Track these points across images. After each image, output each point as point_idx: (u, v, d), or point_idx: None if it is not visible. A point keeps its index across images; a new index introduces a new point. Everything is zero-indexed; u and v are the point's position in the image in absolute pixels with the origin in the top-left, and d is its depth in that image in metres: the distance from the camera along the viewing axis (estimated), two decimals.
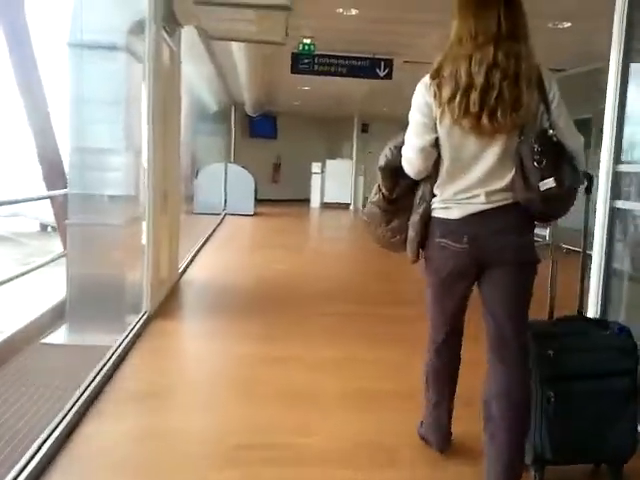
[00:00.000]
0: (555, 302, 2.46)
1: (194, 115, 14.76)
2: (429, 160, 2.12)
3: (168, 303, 4.99)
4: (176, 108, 5.73)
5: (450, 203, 2.12)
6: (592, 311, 3.16)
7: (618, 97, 3.09)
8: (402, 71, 9.26)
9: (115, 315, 4.71)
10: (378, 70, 8.78)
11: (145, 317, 4.40)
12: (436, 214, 2.17)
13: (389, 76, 8.83)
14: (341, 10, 6.58)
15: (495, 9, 1.97)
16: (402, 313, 4.83)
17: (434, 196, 2.17)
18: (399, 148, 2.22)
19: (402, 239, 2.29)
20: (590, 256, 3.06)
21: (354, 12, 6.63)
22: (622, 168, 3.11)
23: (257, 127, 18.45)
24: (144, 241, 4.69)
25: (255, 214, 13.77)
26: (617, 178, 3.10)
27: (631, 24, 3.12)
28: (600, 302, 3.11)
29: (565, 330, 2.37)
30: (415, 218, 2.21)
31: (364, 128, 18.94)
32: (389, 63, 8.76)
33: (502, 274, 2.09)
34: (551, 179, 1.94)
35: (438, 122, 2.04)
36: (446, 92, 1.98)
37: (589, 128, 9.06)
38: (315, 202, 17.39)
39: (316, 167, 17.35)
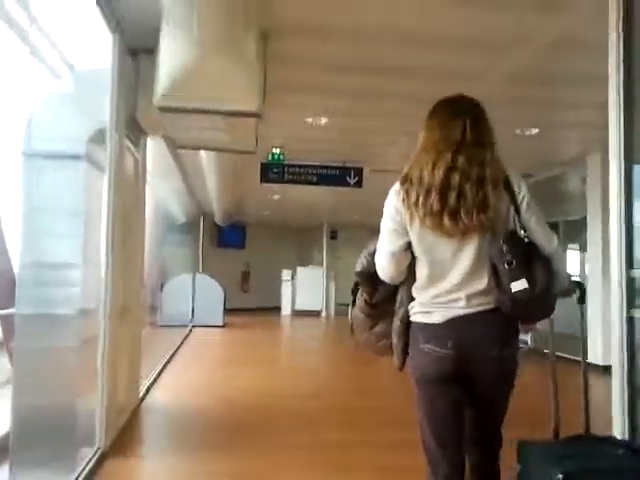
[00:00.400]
0: (560, 420, 2.31)
1: (162, 226, 14.60)
2: (401, 265, 2.13)
3: (126, 435, 4.43)
4: (140, 219, 5.44)
5: (430, 307, 2.08)
6: (618, 433, 2.82)
7: (624, 197, 2.89)
8: (371, 180, 9.26)
9: (65, 451, 4.13)
10: (348, 178, 8.72)
11: (98, 454, 3.86)
12: (417, 319, 2.12)
13: (359, 184, 8.77)
14: (310, 120, 6.55)
15: (461, 121, 2.07)
16: (392, 438, 4.36)
17: (413, 299, 2.15)
18: (373, 255, 2.22)
19: (388, 343, 2.24)
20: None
21: (324, 121, 6.60)
22: (637, 274, 2.84)
23: (226, 237, 18.28)
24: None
25: (225, 325, 13.26)
26: (631, 284, 2.84)
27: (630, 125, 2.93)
28: (627, 423, 2.77)
29: (575, 451, 2.15)
30: (396, 323, 2.18)
31: (333, 235, 19.09)
32: (359, 171, 8.72)
33: (481, 386, 2.08)
34: (523, 280, 1.93)
35: (408, 226, 2.06)
36: (413, 196, 2.02)
37: (556, 232, 9.09)
38: (286, 310, 16.99)
39: (286, 274, 17.11)
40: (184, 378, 7.13)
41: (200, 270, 16.24)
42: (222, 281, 14.22)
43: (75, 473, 3.51)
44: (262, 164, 8.43)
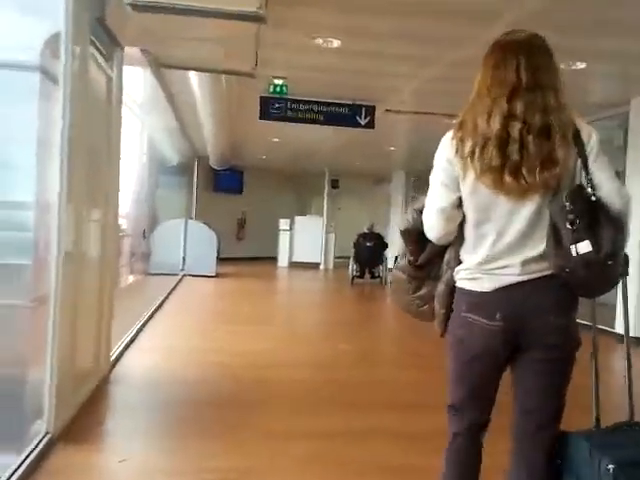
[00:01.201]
0: (600, 405, 1.96)
1: (154, 167, 13.68)
2: (451, 223, 1.92)
3: (87, 414, 3.61)
4: (114, 151, 4.52)
5: (478, 273, 1.87)
6: None
7: None
8: (383, 121, 8.29)
9: (13, 429, 3.36)
10: (359, 118, 7.74)
11: (45, 441, 3.06)
12: (462, 285, 1.92)
13: (371, 125, 7.80)
14: (320, 41, 5.53)
15: (514, 59, 1.80)
16: (412, 427, 3.61)
17: (460, 263, 1.94)
18: (421, 211, 2.01)
19: (432, 308, 2.05)
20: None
21: (335, 44, 5.59)
22: None
23: (222, 181, 17.34)
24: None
25: (217, 275, 12.48)
26: None
27: None
28: None
29: (624, 440, 1.91)
30: (440, 287, 2.00)
31: (334, 184, 18.30)
32: (371, 110, 7.74)
33: (538, 360, 1.87)
34: (587, 242, 1.73)
35: (461, 179, 1.84)
36: (467, 146, 1.80)
37: None
38: (283, 261, 16.23)
39: (284, 224, 16.30)
40: (167, 338, 6.35)
41: (193, 216, 15.38)
42: (217, 228, 13.48)
43: (10, 469, 2.72)
44: (262, 98, 7.45)
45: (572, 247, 1.73)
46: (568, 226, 1.73)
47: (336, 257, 16.52)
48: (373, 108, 7.73)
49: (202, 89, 7.14)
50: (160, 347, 5.74)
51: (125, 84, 4.53)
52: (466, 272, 1.90)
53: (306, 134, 10.63)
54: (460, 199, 1.87)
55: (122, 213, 11.57)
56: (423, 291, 2.08)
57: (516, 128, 1.75)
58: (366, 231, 12.41)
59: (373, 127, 7.83)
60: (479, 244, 1.87)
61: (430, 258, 2.04)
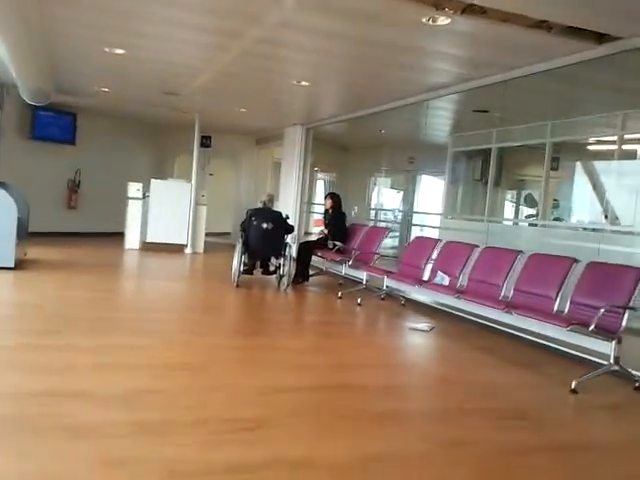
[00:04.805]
0: None
1: None
2: None
3: None
4: None
5: None
6: None
7: None
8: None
9: None
10: None
11: None
12: None
13: None
14: None
15: None
16: None
17: None
18: None
19: None
20: None
21: None
22: None
23: (45, 126, 12.30)
24: None
25: (20, 265, 7.76)
26: None
27: None
28: None
29: None
30: None
31: (205, 142, 14.00)
32: None
33: None
34: None
35: None
36: None
37: None
38: (133, 241, 11.65)
39: (135, 189, 11.67)
40: None
41: None
42: (35, 190, 8.76)
43: None
44: None
45: None
46: None
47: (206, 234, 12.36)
48: None
49: None
50: None
51: None
52: None
53: (167, 43, 6.29)
54: None
55: None
56: None
57: None
58: (260, 206, 8.27)
59: None
60: None
61: None
